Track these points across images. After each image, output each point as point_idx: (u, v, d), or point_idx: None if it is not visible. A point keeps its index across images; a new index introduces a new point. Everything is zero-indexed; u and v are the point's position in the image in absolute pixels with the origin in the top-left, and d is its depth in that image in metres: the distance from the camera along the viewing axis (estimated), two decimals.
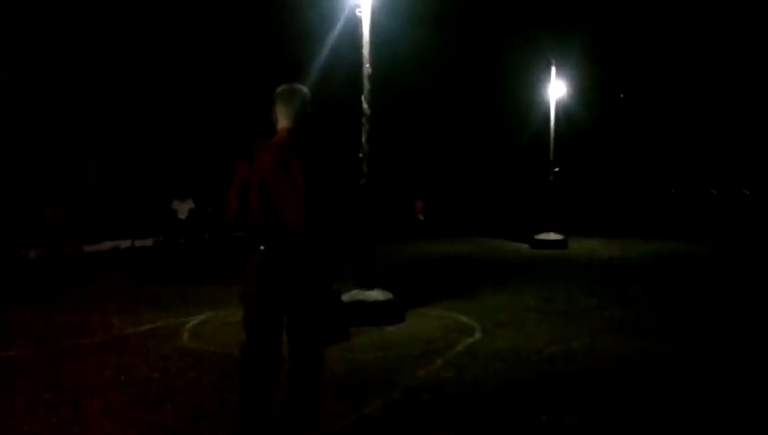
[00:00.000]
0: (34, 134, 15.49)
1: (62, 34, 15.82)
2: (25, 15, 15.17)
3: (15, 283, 11.39)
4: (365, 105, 8.31)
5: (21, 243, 14.10)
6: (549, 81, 18.92)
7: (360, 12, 8.35)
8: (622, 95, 26.04)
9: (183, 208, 17.98)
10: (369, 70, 8.32)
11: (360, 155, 8.32)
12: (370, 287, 8.08)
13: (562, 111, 19.68)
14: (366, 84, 8.32)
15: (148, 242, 17.01)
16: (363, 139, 8.32)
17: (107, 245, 15.83)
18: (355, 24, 8.47)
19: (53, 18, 15.67)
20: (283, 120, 4.06)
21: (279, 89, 4.13)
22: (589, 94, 24.04)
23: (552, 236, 17.85)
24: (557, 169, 18.83)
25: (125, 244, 16.31)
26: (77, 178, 16.10)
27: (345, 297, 7.66)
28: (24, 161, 15.21)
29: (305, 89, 4.16)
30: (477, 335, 7.33)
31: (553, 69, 18.80)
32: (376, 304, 7.89)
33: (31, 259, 13.92)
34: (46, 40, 15.56)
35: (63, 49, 15.95)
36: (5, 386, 5.50)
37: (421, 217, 22.99)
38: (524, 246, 17.76)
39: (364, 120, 8.33)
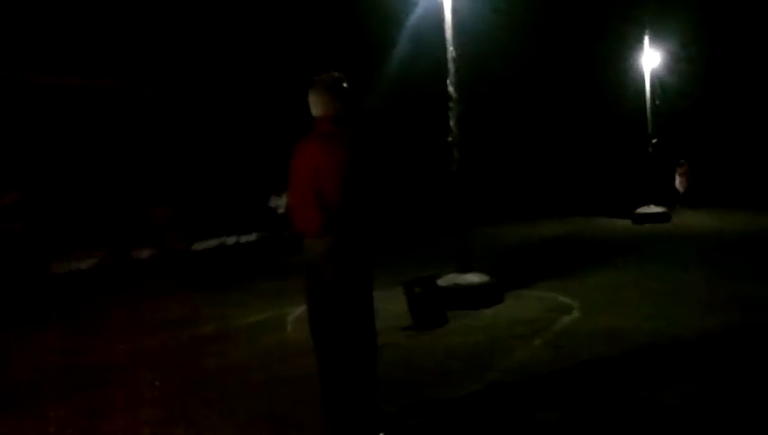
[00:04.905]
0: (140, 137, 16.24)
1: (164, 41, 16.50)
2: (134, 25, 15.92)
3: (130, 281, 12.00)
4: (451, 88, 8.25)
5: (132, 243, 14.79)
6: (643, 50, 18.39)
7: None
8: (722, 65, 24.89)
9: (281, 204, 18.44)
10: (454, 53, 8.24)
11: (450, 139, 8.26)
12: (467, 271, 8.10)
13: (659, 81, 19.07)
14: (451, 67, 8.25)
15: (252, 237, 17.54)
16: (452, 123, 8.23)
17: (213, 242, 16.43)
18: (438, 7, 8.38)
19: (157, 27, 16.36)
20: (314, 112, 4.15)
21: (312, 84, 4.16)
22: (687, 63, 23.13)
23: (654, 209, 17.37)
24: (655, 141, 18.26)
25: (231, 240, 16.88)
26: (182, 178, 16.75)
27: (441, 282, 7.72)
28: (130, 163, 15.95)
29: (337, 76, 4.15)
30: (576, 314, 7.26)
31: (647, 38, 18.23)
32: (472, 287, 7.90)
33: (143, 259, 14.61)
34: (148, 47, 16.28)
35: (165, 56, 16.64)
36: (119, 378, 5.84)
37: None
38: (625, 222, 17.32)
39: (452, 104, 8.24)
